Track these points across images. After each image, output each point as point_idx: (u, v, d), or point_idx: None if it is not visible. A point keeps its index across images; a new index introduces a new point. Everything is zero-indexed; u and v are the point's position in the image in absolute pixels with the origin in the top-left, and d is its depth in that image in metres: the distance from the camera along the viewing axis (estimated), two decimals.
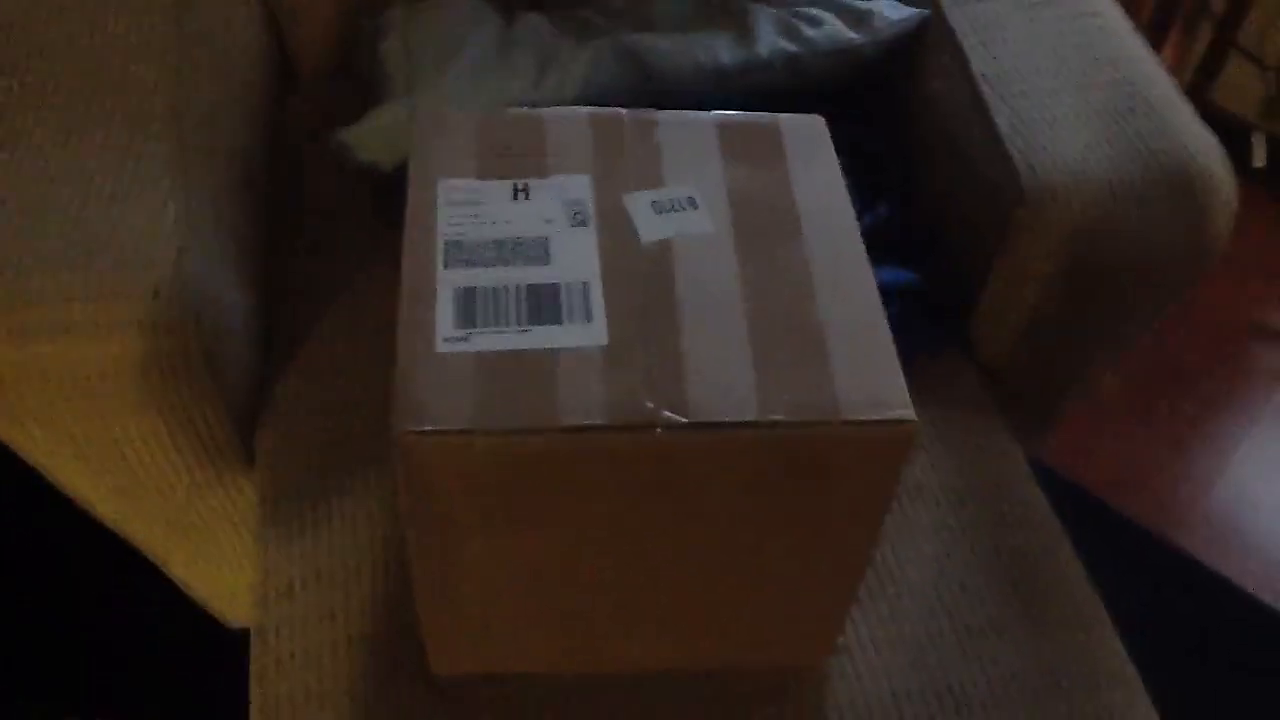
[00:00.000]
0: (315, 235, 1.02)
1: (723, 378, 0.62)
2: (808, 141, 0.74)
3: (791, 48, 1.03)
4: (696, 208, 0.69)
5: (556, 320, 0.63)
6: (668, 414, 0.60)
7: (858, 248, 0.69)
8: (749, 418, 0.60)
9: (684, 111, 0.75)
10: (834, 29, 1.04)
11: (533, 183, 0.70)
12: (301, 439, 0.87)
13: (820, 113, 1.06)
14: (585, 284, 0.65)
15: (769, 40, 1.03)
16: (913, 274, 0.97)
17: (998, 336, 0.99)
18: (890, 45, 1.06)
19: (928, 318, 0.98)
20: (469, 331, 0.62)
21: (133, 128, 0.86)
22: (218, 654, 1.10)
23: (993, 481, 0.92)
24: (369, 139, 0.97)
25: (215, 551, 0.96)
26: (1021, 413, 1.03)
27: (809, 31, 1.04)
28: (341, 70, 1.14)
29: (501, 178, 0.70)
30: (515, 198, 0.69)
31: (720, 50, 1.02)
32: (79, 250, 0.78)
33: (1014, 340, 0.98)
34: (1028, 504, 0.91)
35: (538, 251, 0.66)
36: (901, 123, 1.11)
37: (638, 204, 0.69)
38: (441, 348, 0.62)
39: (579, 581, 0.69)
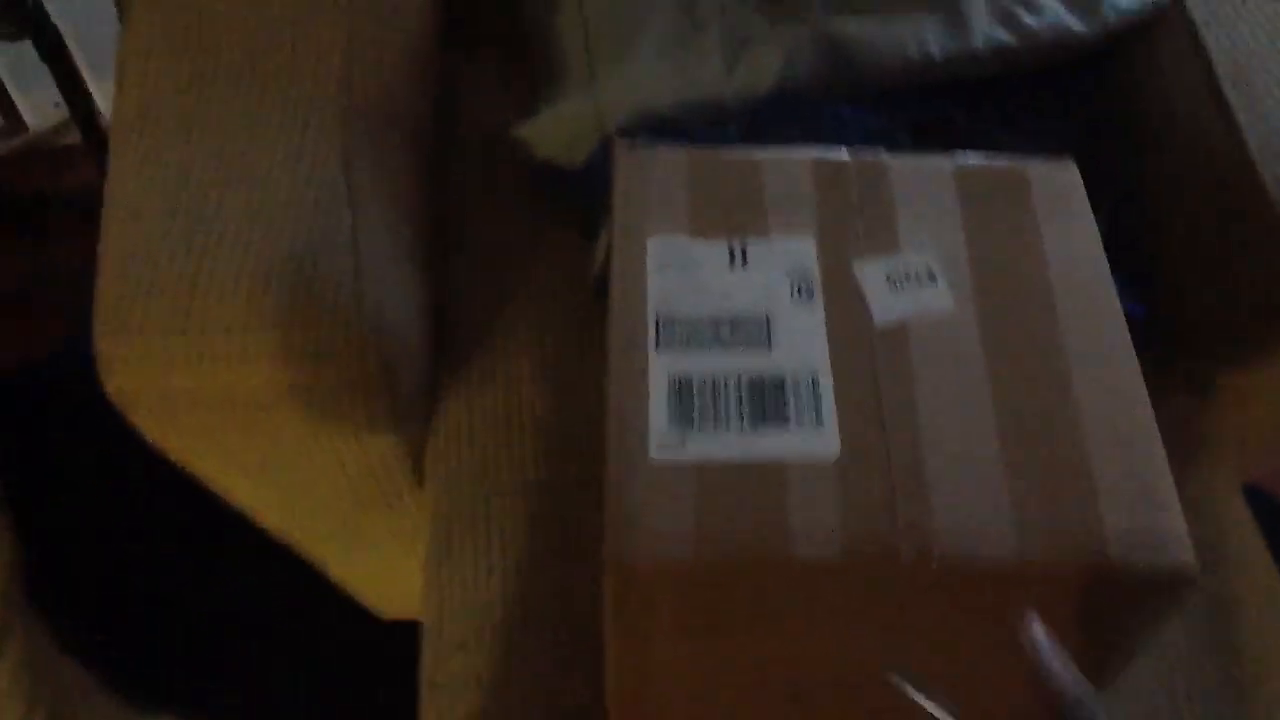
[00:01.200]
0: (468, 231, 0.95)
1: (973, 504, 0.54)
2: (1060, 196, 0.65)
3: (1007, 38, 0.92)
4: (935, 281, 0.61)
5: (783, 422, 0.56)
6: (912, 548, 0.53)
7: (1121, 335, 0.60)
8: (1004, 555, 0.53)
9: (916, 158, 0.66)
10: (1056, 17, 0.93)
11: (752, 245, 0.62)
12: (473, 459, 0.82)
13: (1015, 98, 0.97)
14: (814, 377, 0.58)
15: (982, 28, 0.92)
16: (1139, 305, 0.87)
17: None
18: (1117, 35, 0.95)
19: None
20: (685, 434, 0.56)
21: (306, 116, 0.79)
22: (368, 643, 1.07)
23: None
24: (549, 134, 0.89)
25: (378, 561, 0.93)
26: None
27: (1028, 19, 0.93)
28: (510, 39, 1.06)
29: (717, 237, 0.63)
30: (733, 263, 0.62)
31: (929, 40, 0.92)
32: (256, 268, 0.73)
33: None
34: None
35: (759, 333, 0.59)
36: (1112, 115, 1.00)
37: (870, 274, 0.61)
38: (656, 455, 0.55)
39: (776, 690, 0.63)
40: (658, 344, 0.59)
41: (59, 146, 1.51)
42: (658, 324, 0.59)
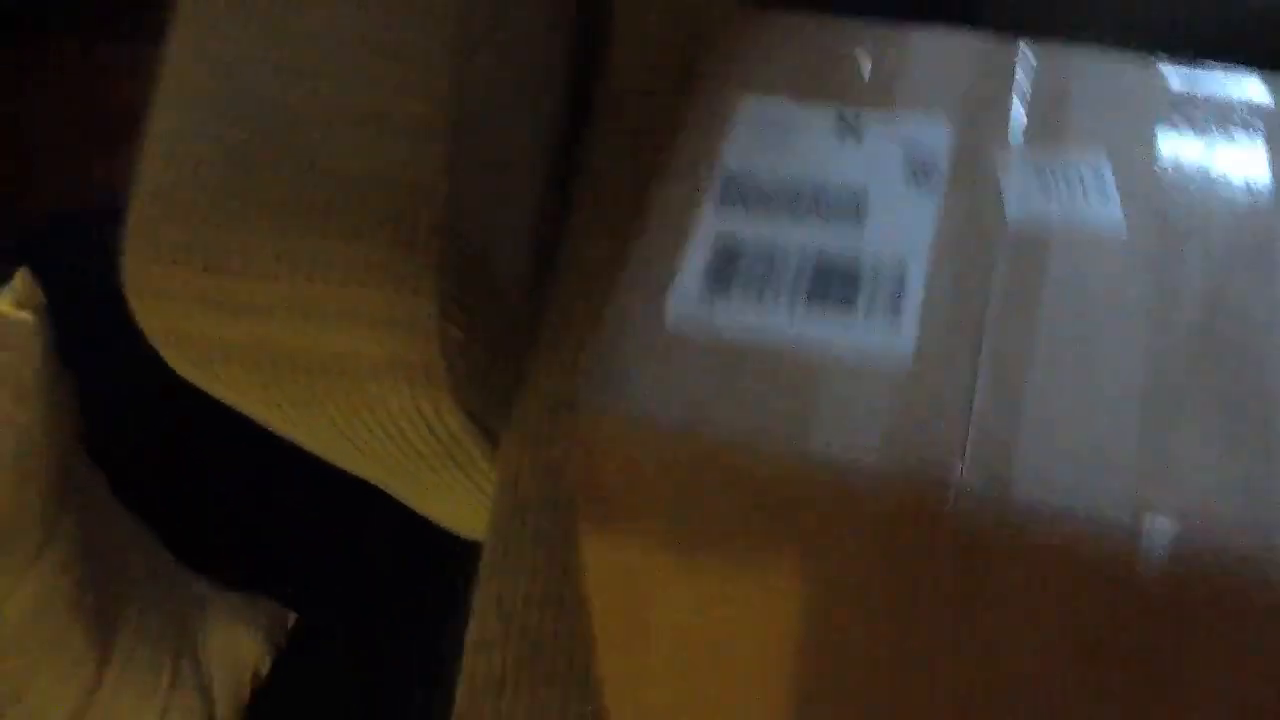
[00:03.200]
0: (589, 195, 0.83)
1: (1084, 445, 0.39)
2: None
3: None
4: (1106, 193, 0.46)
5: (848, 307, 0.43)
6: (972, 478, 0.38)
7: None
8: (1110, 515, 0.37)
9: (1118, 57, 0.52)
10: None
11: (867, 115, 0.49)
12: (553, 452, 0.71)
13: None
14: (902, 263, 0.44)
15: None
16: None
17: None
18: None
19: None
20: (718, 299, 0.43)
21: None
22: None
23: None
24: None
25: (447, 502, 0.82)
26: None
27: None
28: None
29: (826, 102, 0.50)
30: (840, 134, 0.49)
31: None
32: (330, 199, 0.65)
33: None
34: None
35: (847, 207, 0.46)
36: None
37: (1016, 164, 0.47)
38: (673, 312, 0.43)
39: (782, 685, 0.48)
40: (720, 200, 0.46)
41: None
42: (723, 181, 0.47)
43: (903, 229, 0.45)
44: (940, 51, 0.52)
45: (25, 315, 0.79)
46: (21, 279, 0.80)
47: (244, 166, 0.67)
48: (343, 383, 0.66)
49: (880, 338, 0.42)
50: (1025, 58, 0.51)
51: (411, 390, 0.66)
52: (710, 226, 0.45)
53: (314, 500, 1.03)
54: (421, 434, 0.70)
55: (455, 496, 0.80)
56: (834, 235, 0.45)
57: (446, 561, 0.98)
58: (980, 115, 0.49)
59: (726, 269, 0.44)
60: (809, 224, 0.45)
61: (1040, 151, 0.48)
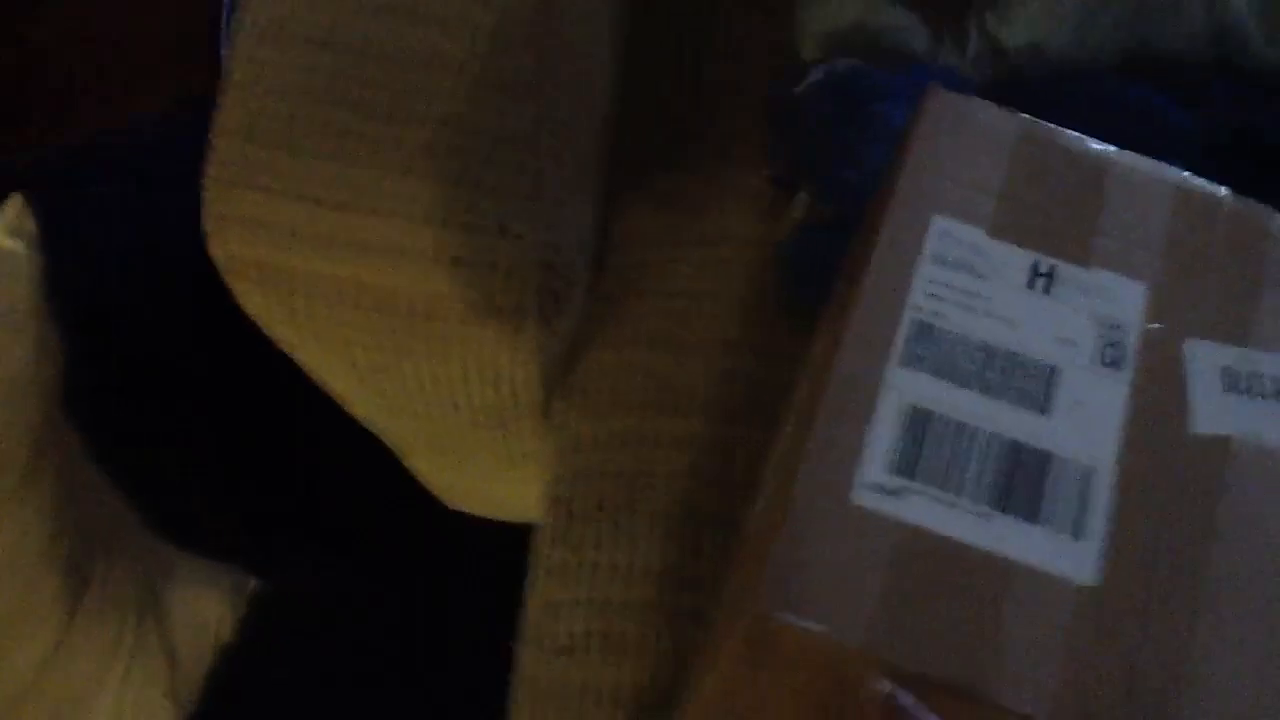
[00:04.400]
0: (646, 162, 0.79)
1: (1243, 712, 0.40)
2: None
3: None
4: None
5: (1030, 514, 0.42)
6: None
7: None
8: None
9: None
10: None
11: (1063, 269, 0.47)
12: (609, 427, 0.69)
13: None
14: (1088, 471, 0.43)
15: None
16: None
17: None
18: None
19: None
20: (905, 484, 0.42)
21: None
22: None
23: None
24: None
25: (472, 469, 0.81)
26: None
27: None
28: None
29: (1022, 243, 0.48)
30: (1032, 284, 0.47)
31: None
32: (419, 138, 0.61)
33: None
34: None
35: (1037, 388, 0.45)
36: None
37: (1202, 362, 0.46)
38: (859, 497, 0.42)
39: None
40: (904, 358, 0.45)
41: None
42: (911, 330, 0.45)
43: (1090, 423, 0.44)
44: (1140, 186, 0.49)
45: (17, 244, 0.74)
46: (14, 207, 0.75)
47: (344, 101, 0.63)
48: (430, 326, 0.64)
49: (1062, 559, 0.41)
50: (1223, 213, 0.49)
51: (498, 337, 0.65)
52: (895, 392, 0.44)
53: (276, 467, 1.03)
54: (488, 386, 0.69)
55: (480, 461, 0.79)
56: (1023, 422, 0.44)
57: (410, 527, 0.98)
58: (1175, 285, 0.47)
59: (913, 450, 0.43)
60: (998, 403, 0.44)
61: (1227, 345, 0.46)
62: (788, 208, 0.72)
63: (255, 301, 0.65)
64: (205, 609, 0.89)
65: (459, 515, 0.89)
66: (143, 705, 0.85)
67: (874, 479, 0.42)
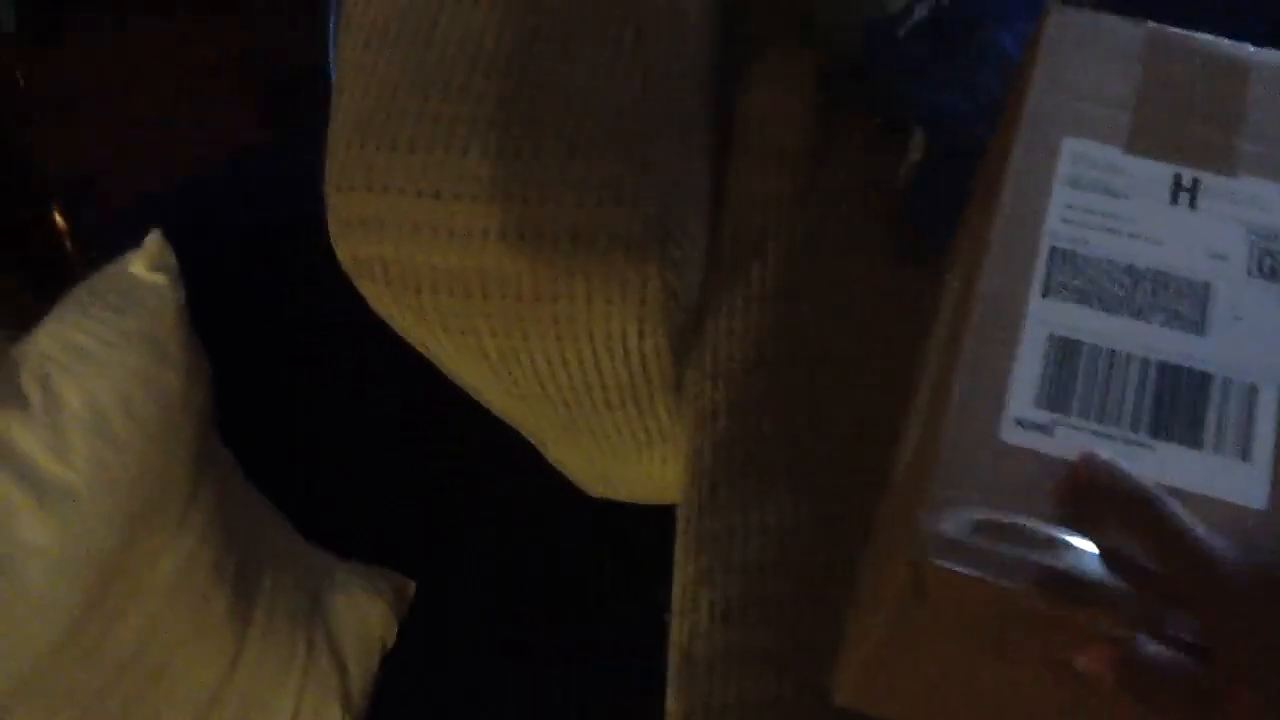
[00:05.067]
0: (751, 125, 0.77)
1: None
2: None
3: None
4: None
5: (1193, 440, 0.40)
6: None
7: None
8: None
9: None
10: None
11: (1207, 180, 0.45)
12: (744, 389, 0.68)
13: None
14: (1253, 390, 0.41)
15: None
16: None
17: None
18: None
19: None
20: (1056, 418, 0.41)
21: None
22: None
23: None
24: None
25: (608, 453, 0.81)
26: None
27: None
28: None
29: (1161, 157, 0.45)
30: (1175, 199, 0.45)
31: None
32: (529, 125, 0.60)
33: None
34: None
35: (1192, 306, 0.43)
36: None
37: None
38: (1009, 434, 0.40)
39: None
40: (1046, 287, 0.43)
41: None
42: (1051, 258, 0.43)
43: (1250, 338, 0.42)
44: None
45: (159, 277, 0.76)
46: (153, 241, 0.77)
47: (449, 93, 0.63)
48: (556, 307, 0.65)
49: (1229, 481, 0.40)
50: None
51: (623, 310, 0.65)
52: (1041, 323, 0.42)
53: (430, 471, 1.04)
54: (618, 363, 0.69)
55: (615, 444, 0.79)
56: (1178, 343, 0.42)
57: (569, 526, 0.98)
58: None
59: (1062, 382, 0.41)
60: (1149, 326, 0.42)
61: None
62: (904, 151, 0.70)
63: (385, 302, 0.66)
64: (369, 615, 0.91)
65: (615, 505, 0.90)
66: (319, 712, 0.87)
67: (1023, 414, 0.41)
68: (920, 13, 0.70)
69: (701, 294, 0.71)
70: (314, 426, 1.06)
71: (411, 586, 0.96)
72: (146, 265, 0.77)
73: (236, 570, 0.81)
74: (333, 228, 0.62)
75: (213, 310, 0.83)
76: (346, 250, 0.63)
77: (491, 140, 0.62)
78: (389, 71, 0.63)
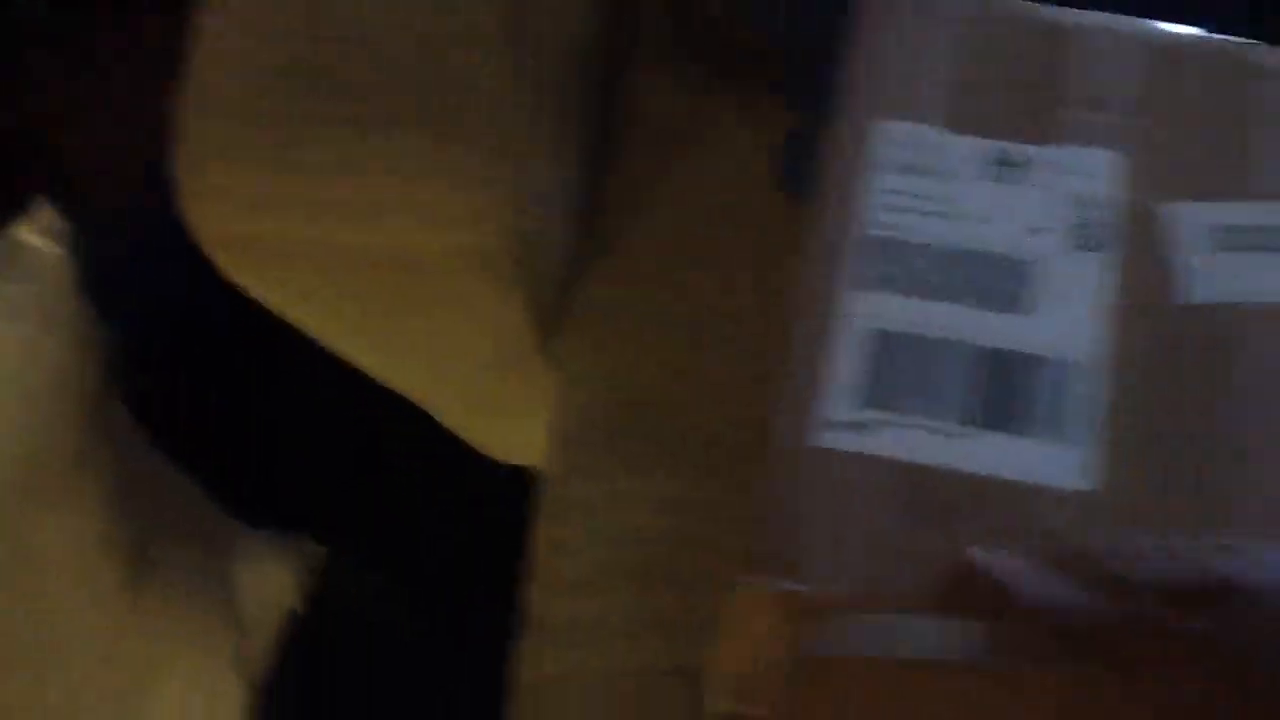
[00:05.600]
0: (638, 98, 0.76)
1: None
2: None
3: None
4: None
5: (1021, 427, 0.39)
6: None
7: None
8: None
9: None
10: None
11: (1029, 152, 0.43)
12: (612, 360, 0.67)
13: None
14: (1077, 368, 0.40)
15: None
16: None
17: None
18: None
19: None
20: (875, 416, 0.39)
21: None
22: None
23: None
24: None
25: (501, 420, 0.80)
26: None
27: None
28: None
29: (982, 132, 0.44)
30: (996, 175, 0.43)
31: None
32: (385, 93, 0.59)
33: None
34: None
35: (1012, 285, 0.41)
36: None
37: (1191, 224, 0.42)
38: (824, 439, 0.39)
39: None
40: (863, 279, 0.41)
41: None
42: (868, 248, 0.42)
43: (1074, 317, 0.41)
44: (1107, 47, 0.45)
45: (48, 245, 0.75)
46: (43, 209, 0.76)
47: (302, 70, 0.62)
48: (412, 280, 0.64)
49: (1054, 466, 0.38)
50: (1202, 60, 0.45)
51: (478, 284, 0.64)
52: (854, 318, 0.41)
53: (337, 438, 1.03)
54: (482, 335, 0.69)
55: (500, 407, 0.78)
56: (999, 326, 0.40)
57: (473, 493, 0.97)
58: (1155, 147, 0.43)
59: (879, 378, 0.40)
60: (968, 310, 0.41)
61: (1224, 202, 0.42)
62: (782, 119, 0.69)
63: (243, 274, 0.65)
64: (274, 582, 0.90)
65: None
66: (213, 680, 0.87)
67: (838, 416, 0.39)
68: None
69: (576, 265, 0.70)
70: (225, 393, 1.05)
71: (322, 553, 0.95)
72: (36, 233, 0.75)
73: (130, 542, 0.80)
74: (185, 200, 0.61)
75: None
76: (199, 222, 0.62)
77: (342, 117, 0.61)
78: (238, 48, 0.62)
